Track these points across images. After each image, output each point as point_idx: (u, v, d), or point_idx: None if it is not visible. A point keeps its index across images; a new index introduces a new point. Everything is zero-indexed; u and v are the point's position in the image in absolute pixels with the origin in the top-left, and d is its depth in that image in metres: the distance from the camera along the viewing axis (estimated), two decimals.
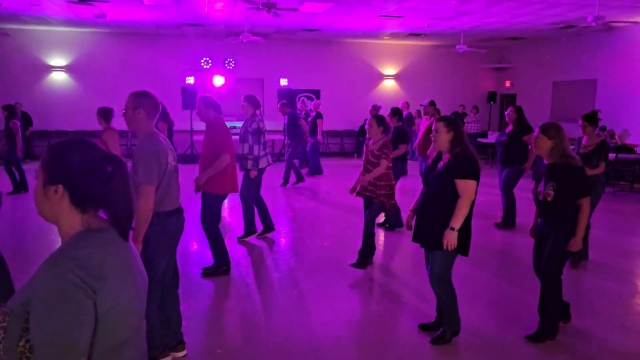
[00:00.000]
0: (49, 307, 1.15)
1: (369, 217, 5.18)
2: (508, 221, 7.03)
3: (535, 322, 3.82)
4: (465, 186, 3.37)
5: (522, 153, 6.74)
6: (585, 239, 5.54)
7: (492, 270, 5.39)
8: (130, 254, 1.37)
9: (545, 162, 3.73)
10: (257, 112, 5.89)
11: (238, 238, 6.27)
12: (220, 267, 5.03)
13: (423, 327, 3.89)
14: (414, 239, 3.67)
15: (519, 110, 6.93)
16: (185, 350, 3.43)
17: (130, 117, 3.05)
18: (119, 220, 1.33)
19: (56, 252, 1.24)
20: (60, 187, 1.28)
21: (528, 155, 6.74)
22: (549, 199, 3.60)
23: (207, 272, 5.02)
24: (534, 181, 3.83)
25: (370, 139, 5.18)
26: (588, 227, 5.52)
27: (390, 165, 5.09)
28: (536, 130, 3.72)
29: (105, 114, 6.07)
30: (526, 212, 7.77)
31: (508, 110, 7.04)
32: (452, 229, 3.35)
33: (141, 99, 3.04)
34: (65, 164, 1.29)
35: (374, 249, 5.34)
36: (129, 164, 3.15)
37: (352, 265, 5.23)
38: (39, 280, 1.19)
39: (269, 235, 6.47)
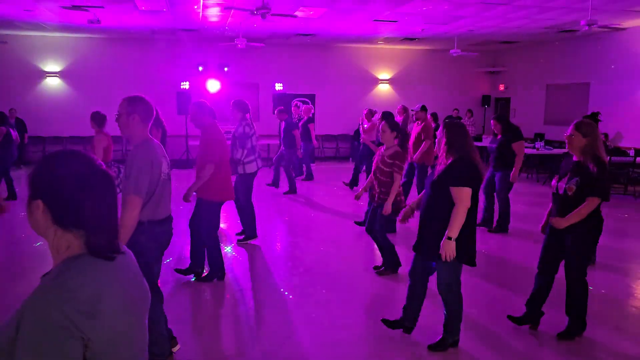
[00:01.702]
0: (29, 348, 1.08)
1: (376, 227, 5.02)
2: (504, 226, 7.02)
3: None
4: (459, 194, 3.29)
5: (513, 159, 6.71)
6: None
7: (487, 274, 5.39)
8: (128, 271, 1.31)
9: (575, 159, 3.71)
10: (247, 115, 5.89)
11: (238, 241, 6.31)
12: (215, 273, 5.01)
13: (386, 322, 3.87)
14: (415, 249, 3.61)
15: (502, 120, 6.86)
16: (178, 345, 3.52)
17: (124, 123, 2.99)
18: (92, 244, 1.21)
19: (45, 282, 1.15)
20: (40, 203, 1.20)
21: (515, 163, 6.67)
22: (569, 193, 3.61)
23: (202, 279, 5.01)
24: (556, 175, 3.82)
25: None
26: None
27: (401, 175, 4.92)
28: (570, 128, 3.70)
29: (98, 119, 6.08)
30: (521, 217, 7.80)
31: (491, 123, 7.02)
32: (449, 238, 3.26)
33: (135, 104, 2.98)
34: (44, 178, 1.21)
35: (398, 262, 5.20)
36: (122, 169, 3.16)
37: (377, 272, 5.22)
38: (24, 315, 1.10)
39: (255, 241, 6.33)
